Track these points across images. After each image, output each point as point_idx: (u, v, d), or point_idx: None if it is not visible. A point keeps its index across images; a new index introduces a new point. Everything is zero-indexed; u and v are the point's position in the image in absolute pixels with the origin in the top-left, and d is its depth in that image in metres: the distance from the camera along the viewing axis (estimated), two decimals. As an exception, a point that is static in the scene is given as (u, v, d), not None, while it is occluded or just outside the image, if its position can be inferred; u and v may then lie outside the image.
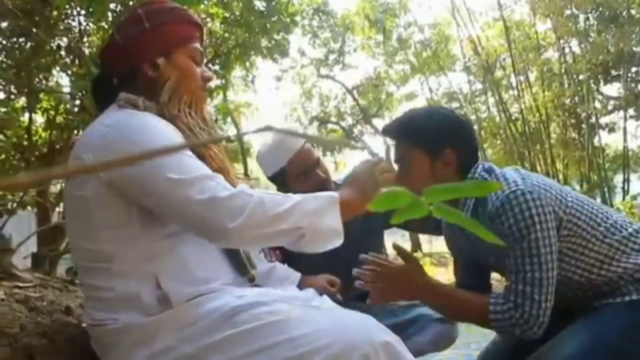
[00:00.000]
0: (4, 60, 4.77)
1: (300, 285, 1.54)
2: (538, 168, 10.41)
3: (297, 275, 1.59)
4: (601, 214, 1.41)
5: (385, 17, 12.86)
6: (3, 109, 4.90)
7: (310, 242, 1.18)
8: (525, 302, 1.30)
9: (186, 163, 1.11)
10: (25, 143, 5.15)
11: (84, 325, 1.29)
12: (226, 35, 7.00)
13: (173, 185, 1.07)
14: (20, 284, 1.76)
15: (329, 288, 1.62)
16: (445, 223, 1.60)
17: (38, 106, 4.90)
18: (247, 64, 9.34)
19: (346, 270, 1.84)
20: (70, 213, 1.22)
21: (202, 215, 1.08)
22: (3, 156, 5.39)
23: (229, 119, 13.70)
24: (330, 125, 16.46)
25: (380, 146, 16.09)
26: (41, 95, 4.74)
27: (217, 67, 9.29)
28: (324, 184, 1.90)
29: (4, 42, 4.75)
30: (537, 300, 1.30)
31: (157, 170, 1.08)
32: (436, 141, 1.39)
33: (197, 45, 1.31)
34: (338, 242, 1.21)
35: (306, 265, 1.89)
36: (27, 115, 5.00)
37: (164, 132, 1.16)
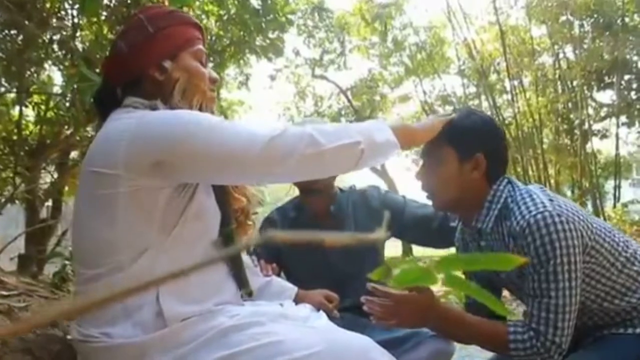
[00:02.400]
0: (-5, 53, 4.70)
1: (297, 300, 1.51)
2: (530, 173, 10.43)
3: (294, 289, 1.56)
4: (622, 243, 1.37)
5: (385, 16, 12.82)
6: (-7, 103, 4.82)
7: (370, 156, 1.18)
8: (548, 330, 1.25)
9: (232, 126, 1.12)
10: (14, 137, 5.07)
11: (69, 337, 1.24)
12: (221, 33, 6.93)
13: (235, 148, 1.08)
14: (5, 292, 1.71)
15: (325, 304, 1.58)
16: (459, 239, 1.56)
17: (28, 100, 4.82)
18: (242, 62, 9.29)
19: (344, 283, 1.81)
20: (86, 214, 1.17)
21: (269, 153, 1.08)
22: (-8, 150, 5.31)
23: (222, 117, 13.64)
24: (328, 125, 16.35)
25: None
26: (31, 89, 4.66)
27: (210, 65, 9.24)
28: (328, 187, 1.87)
29: (-5, 34, 4.68)
30: (559, 327, 1.24)
31: (215, 139, 1.08)
32: (468, 143, 1.37)
33: (201, 46, 1.30)
34: (396, 152, 1.22)
35: (304, 277, 1.86)
36: (17, 109, 4.92)
37: (194, 111, 1.18)
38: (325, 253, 1.85)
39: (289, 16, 8.78)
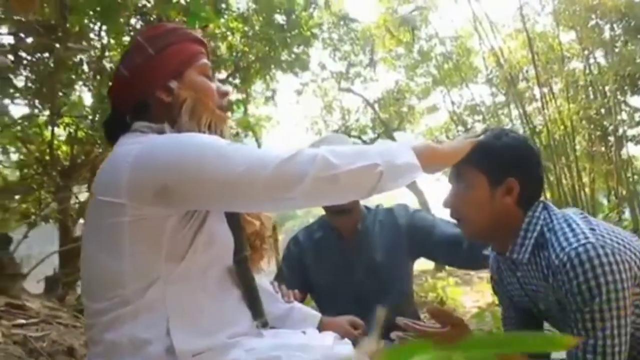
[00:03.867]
0: (28, 75, 4.82)
1: (321, 328, 1.46)
2: (564, 181, 10.20)
3: (317, 317, 1.52)
4: None
5: (406, 29, 12.78)
6: (27, 124, 4.94)
7: (389, 179, 1.10)
8: None
9: (240, 149, 1.07)
10: (47, 157, 5.18)
11: None
12: (246, 49, 6.99)
13: (243, 172, 1.02)
14: (24, 321, 1.71)
15: (351, 331, 1.52)
16: (495, 269, 1.44)
17: (60, 121, 4.93)
18: (268, 77, 9.36)
19: (371, 302, 1.77)
20: (91, 245, 1.12)
21: (277, 178, 1.03)
22: (26, 171, 5.43)
23: (249, 133, 13.75)
24: (351, 140, 16.37)
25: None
26: (62, 110, 4.76)
27: (237, 81, 9.34)
28: (355, 205, 1.84)
29: (28, 57, 4.80)
30: None
31: (221, 163, 1.03)
32: (499, 166, 1.27)
33: (206, 60, 1.26)
34: (417, 175, 1.14)
35: (331, 297, 1.83)
36: (49, 130, 5.03)
37: (199, 134, 1.13)
38: (352, 272, 1.81)
39: (314, 30, 8.84)
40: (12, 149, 6.10)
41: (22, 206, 5.19)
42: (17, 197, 5.12)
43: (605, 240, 1.15)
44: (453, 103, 13.50)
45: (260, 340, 1.15)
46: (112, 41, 4.67)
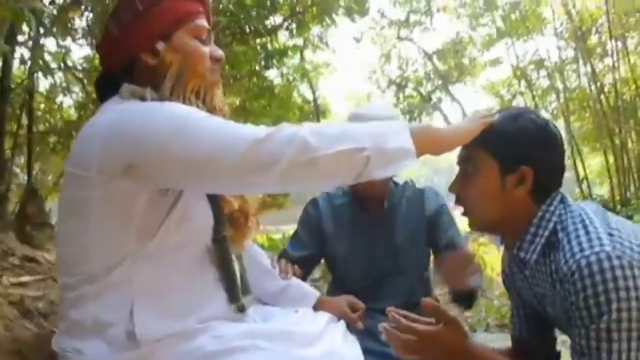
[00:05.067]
0: (89, 16, 4.85)
1: (317, 307, 1.39)
2: (630, 145, 9.69)
3: (314, 295, 1.45)
4: None
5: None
6: (87, 65, 5.00)
7: (377, 165, 1.00)
8: None
9: (210, 125, 0.98)
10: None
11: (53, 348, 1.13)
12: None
13: (209, 153, 0.95)
14: (28, 278, 1.75)
15: (348, 312, 1.43)
16: (506, 266, 1.33)
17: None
18: (325, 23, 9.18)
19: (385, 279, 1.73)
20: (61, 218, 1.08)
21: (247, 161, 0.94)
22: (82, 113, 5.58)
23: (305, 80, 13.66)
24: (408, 91, 16.07)
25: (458, 115, 15.55)
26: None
27: (293, 26, 9.20)
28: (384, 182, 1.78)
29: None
30: None
31: (186, 141, 0.95)
32: (512, 152, 1.14)
33: (201, 21, 1.15)
34: (410, 162, 1.02)
35: (346, 267, 1.80)
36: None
37: (175, 105, 1.04)
38: (370, 247, 1.77)
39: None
40: (76, 89, 6.30)
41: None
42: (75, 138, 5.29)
43: (624, 250, 1.01)
44: (517, 57, 12.90)
45: (233, 326, 1.09)
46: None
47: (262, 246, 6.80)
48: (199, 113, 1.02)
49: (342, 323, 1.26)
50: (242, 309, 1.14)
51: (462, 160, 1.20)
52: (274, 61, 10.73)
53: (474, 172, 1.17)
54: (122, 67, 1.13)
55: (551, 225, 1.13)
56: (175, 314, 1.03)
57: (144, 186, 1.00)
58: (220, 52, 1.17)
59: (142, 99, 1.08)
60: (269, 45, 10.55)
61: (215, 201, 1.14)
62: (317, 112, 14.53)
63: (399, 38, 14.79)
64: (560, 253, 1.07)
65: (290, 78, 13.04)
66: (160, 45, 1.10)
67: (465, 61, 14.63)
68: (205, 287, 1.10)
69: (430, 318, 1.14)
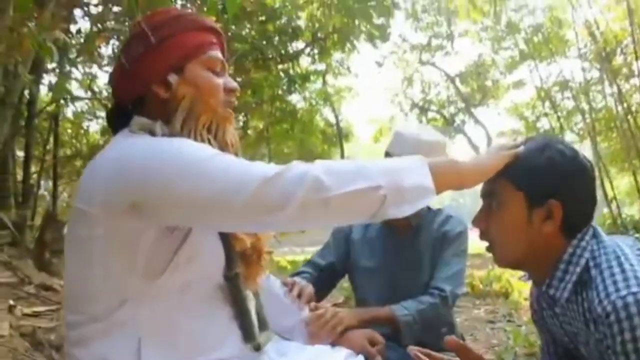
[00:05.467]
0: (115, 43, 4.99)
1: (335, 341, 1.34)
2: (658, 166, 9.48)
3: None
4: None
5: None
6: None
7: (393, 204, 0.95)
8: None
9: (220, 163, 0.95)
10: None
11: None
12: (322, 19, 6.94)
13: (217, 192, 0.91)
14: (41, 308, 1.73)
15: (367, 347, 1.38)
16: (534, 300, 1.26)
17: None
18: (347, 48, 9.27)
19: (396, 292, 1.70)
20: (67, 254, 1.05)
21: (257, 202, 0.90)
22: (107, 136, 5.71)
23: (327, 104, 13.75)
24: (431, 114, 16.06)
25: (482, 137, 15.43)
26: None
27: (315, 52, 9.31)
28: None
29: (115, 26, 4.98)
30: None
31: (192, 181, 0.91)
32: (539, 186, 1.07)
33: (215, 52, 1.12)
34: (429, 200, 0.97)
35: (365, 283, 1.78)
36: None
37: (184, 141, 1.00)
38: (395, 267, 1.76)
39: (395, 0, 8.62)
40: (102, 114, 6.45)
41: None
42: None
43: None
44: (541, 78, 12.82)
45: None
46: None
47: (284, 269, 6.78)
48: (208, 151, 0.98)
49: (361, 358, 1.22)
50: (258, 348, 1.09)
51: (486, 194, 1.14)
52: (296, 86, 10.87)
53: (499, 206, 1.11)
54: (134, 100, 1.10)
55: (583, 261, 1.06)
56: (185, 356, 0.99)
57: (150, 224, 0.96)
58: (234, 84, 1.14)
59: (152, 133, 1.05)
60: (291, 71, 10.72)
61: (226, 238, 1.09)
62: (339, 136, 14.60)
63: (421, 62, 14.84)
64: (594, 292, 1.00)
65: (313, 102, 13.17)
66: (173, 78, 1.07)
67: (488, 83, 14.58)
68: (217, 327, 1.06)
69: (454, 357, 1.09)
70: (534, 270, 1.14)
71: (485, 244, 1.16)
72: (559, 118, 12.51)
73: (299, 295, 1.43)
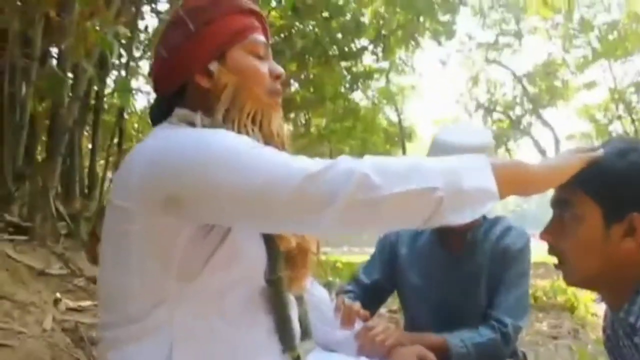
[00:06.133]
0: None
1: (385, 357, 1.31)
2: None
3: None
4: None
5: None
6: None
7: (451, 208, 0.86)
8: None
9: (261, 157, 0.89)
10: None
11: None
12: (386, 15, 6.87)
13: (259, 187, 0.86)
14: (87, 303, 1.72)
15: None
16: (608, 326, 1.14)
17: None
18: (411, 46, 9.15)
19: (457, 322, 1.58)
20: (103, 252, 1.02)
21: (301, 198, 0.84)
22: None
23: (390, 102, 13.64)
24: (496, 115, 15.64)
25: (549, 140, 14.88)
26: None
27: (379, 49, 9.23)
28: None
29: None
30: None
31: (234, 174, 0.86)
32: (619, 196, 0.96)
33: (258, 36, 1.06)
34: (491, 205, 0.89)
35: (413, 299, 1.67)
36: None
37: (223, 132, 0.96)
38: (446, 285, 1.63)
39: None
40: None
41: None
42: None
43: None
44: (615, 78, 12.21)
45: None
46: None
47: (339, 271, 6.68)
48: (248, 142, 0.92)
49: None
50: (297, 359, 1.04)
51: (557, 204, 1.04)
52: (359, 84, 10.82)
53: (572, 218, 0.99)
54: (175, 91, 1.05)
55: None
56: None
57: (187, 222, 0.92)
58: (280, 69, 1.08)
59: (191, 124, 1.00)
60: (354, 68, 10.68)
61: (269, 238, 1.03)
62: (402, 135, 14.43)
63: (487, 60, 14.46)
64: None
65: (376, 101, 13.08)
66: (214, 66, 1.01)
67: (558, 84, 14.02)
68: (255, 335, 1.01)
69: None
70: (610, 292, 1.03)
71: (554, 258, 1.04)
72: (633, 121, 11.88)
73: (348, 315, 1.38)
